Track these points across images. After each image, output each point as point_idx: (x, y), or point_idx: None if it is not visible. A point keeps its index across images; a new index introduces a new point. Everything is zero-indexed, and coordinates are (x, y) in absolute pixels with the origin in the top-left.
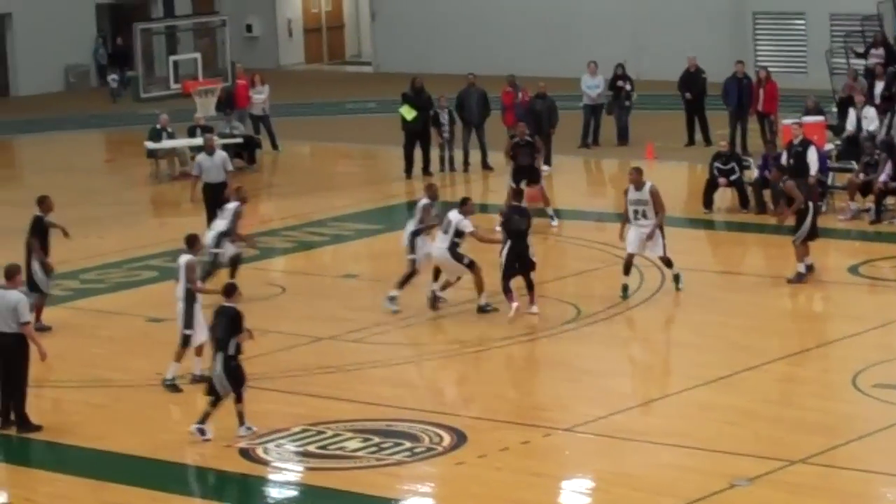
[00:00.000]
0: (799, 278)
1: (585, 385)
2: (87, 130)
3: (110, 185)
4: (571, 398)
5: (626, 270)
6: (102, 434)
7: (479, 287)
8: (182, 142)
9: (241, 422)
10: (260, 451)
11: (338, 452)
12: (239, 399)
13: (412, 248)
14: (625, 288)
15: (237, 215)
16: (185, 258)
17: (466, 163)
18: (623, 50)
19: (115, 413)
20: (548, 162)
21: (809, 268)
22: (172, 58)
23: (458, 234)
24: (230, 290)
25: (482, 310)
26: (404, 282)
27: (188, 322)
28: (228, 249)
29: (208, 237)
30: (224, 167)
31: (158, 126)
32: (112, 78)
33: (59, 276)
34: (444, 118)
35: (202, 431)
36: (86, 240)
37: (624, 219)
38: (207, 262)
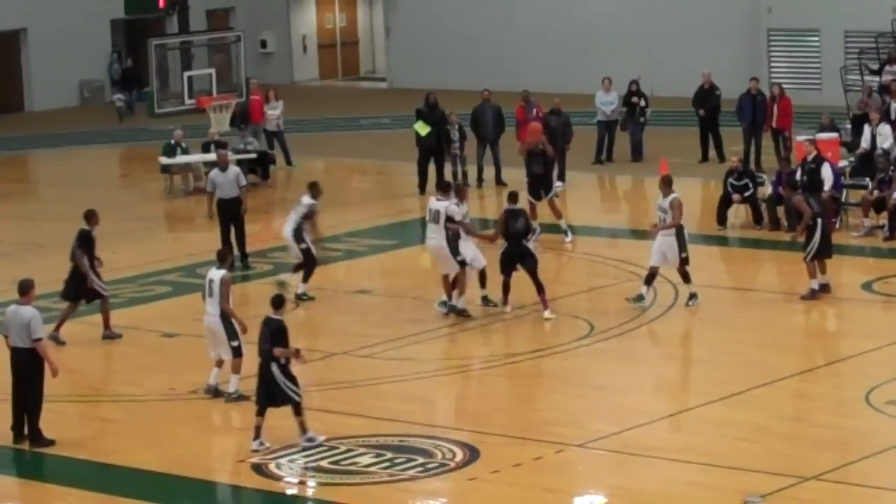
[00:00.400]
0: (812, 295)
1: (598, 401)
2: (101, 146)
3: (124, 200)
4: (584, 414)
5: (648, 281)
6: (115, 449)
7: (461, 289)
8: (196, 157)
9: (257, 435)
10: (273, 467)
11: (351, 468)
12: (261, 412)
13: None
14: (640, 297)
15: (311, 213)
16: (220, 273)
17: (480, 179)
18: (637, 66)
19: (129, 428)
20: (562, 178)
21: (824, 287)
22: (187, 73)
23: (450, 220)
24: (278, 303)
25: (455, 310)
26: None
27: (233, 334)
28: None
29: (287, 233)
30: (237, 182)
31: (173, 141)
32: (118, 98)
33: None
34: (455, 135)
35: (311, 440)
36: (100, 254)
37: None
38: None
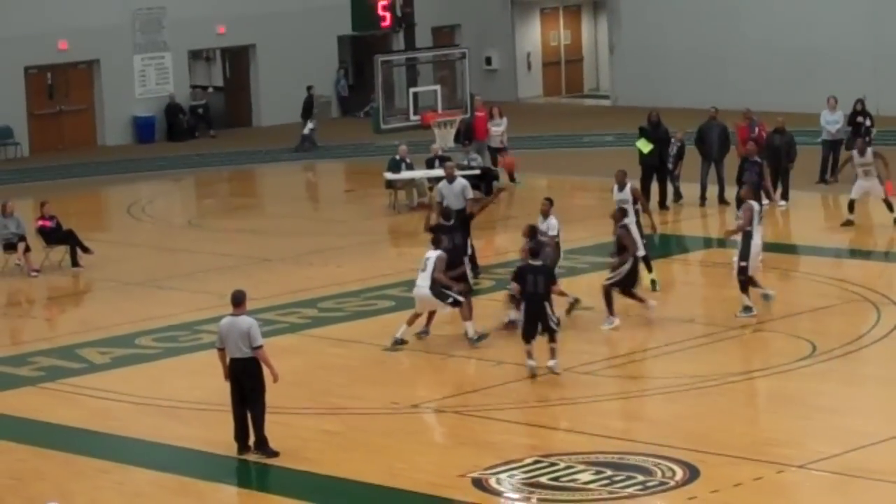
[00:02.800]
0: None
1: (820, 422)
2: (327, 160)
3: (349, 214)
4: (805, 435)
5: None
6: (337, 461)
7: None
8: (420, 173)
9: (531, 357)
10: (492, 482)
11: (570, 485)
12: (529, 341)
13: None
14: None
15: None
16: (436, 252)
17: (703, 197)
18: (863, 85)
19: (350, 441)
20: (785, 197)
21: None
22: (412, 89)
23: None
24: (536, 252)
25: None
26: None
27: (443, 296)
28: None
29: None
30: (464, 194)
31: (397, 157)
32: (310, 128)
33: (298, 304)
34: (673, 149)
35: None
36: (325, 268)
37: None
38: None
